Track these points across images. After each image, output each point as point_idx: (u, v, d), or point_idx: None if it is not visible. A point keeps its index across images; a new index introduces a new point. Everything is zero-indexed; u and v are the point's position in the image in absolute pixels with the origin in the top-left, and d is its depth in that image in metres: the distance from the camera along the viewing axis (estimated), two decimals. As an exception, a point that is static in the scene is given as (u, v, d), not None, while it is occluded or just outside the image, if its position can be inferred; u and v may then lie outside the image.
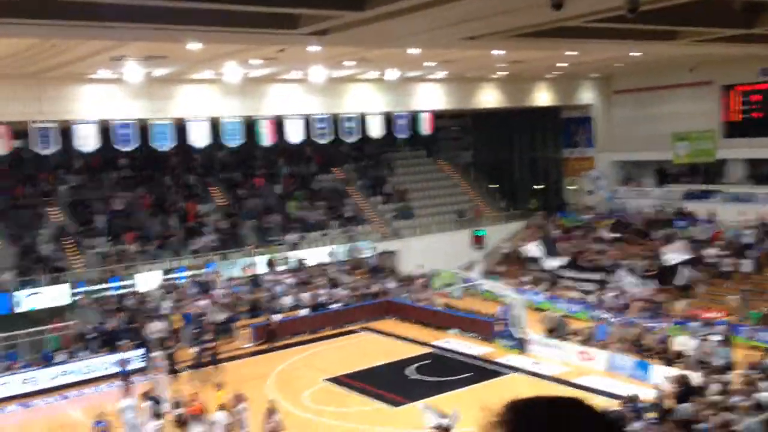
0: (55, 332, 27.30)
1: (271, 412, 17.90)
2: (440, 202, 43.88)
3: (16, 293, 28.63)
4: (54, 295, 29.27)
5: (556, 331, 26.61)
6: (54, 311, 28.97)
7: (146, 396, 19.51)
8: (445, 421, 14.13)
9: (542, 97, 40.98)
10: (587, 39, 21.05)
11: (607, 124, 42.56)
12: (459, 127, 49.43)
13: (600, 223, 38.65)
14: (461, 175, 46.64)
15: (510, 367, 24.83)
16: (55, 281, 29.86)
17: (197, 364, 25.42)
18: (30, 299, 28.79)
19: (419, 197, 43.60)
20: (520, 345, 26.36)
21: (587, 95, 42.39)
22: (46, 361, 25.54)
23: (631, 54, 29.92)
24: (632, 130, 40.67)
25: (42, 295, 29.06)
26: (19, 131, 28.22)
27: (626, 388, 20.87)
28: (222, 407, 18.39)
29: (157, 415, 18.62)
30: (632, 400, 18.34)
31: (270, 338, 28.56)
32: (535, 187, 45.66)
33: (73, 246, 32.39)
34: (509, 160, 46.50)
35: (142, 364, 24.94)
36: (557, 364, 24.71)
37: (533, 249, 35.10)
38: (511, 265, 38.29)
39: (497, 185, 46.36)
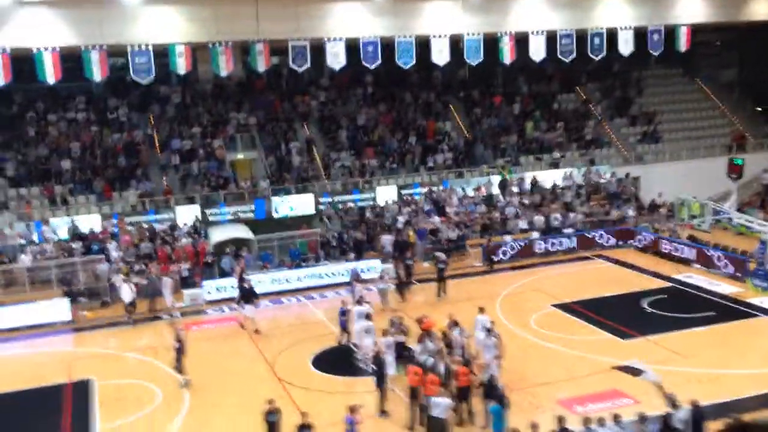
0: (303, 238, 29.69)
1: (446, 334, 17.93)
2: (694, 126, 40.28)
3: (272, 200, 31.43)
4: (302, 203, 31.73)
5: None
6: (302, 219, 31.47)
7: (362, 302, 20.54)
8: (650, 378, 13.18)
9: (831, 5, 35.25)
10: None
11: None
12: (721, 43, 44.40)
13: None
14: (721, 96, 42.18)
15: (762, 310, 22.57)
16: (304, 191, 32.26)
17: (426, 279, 26.27)
18: (282, 206, 31.49)
19: (670, 120, 40.32)
20: (776, 287, 23.81)
21: None
22: (295, 264, 27.89)
23: None
24: None
25: (292, 203, 31.63)
26: (277, 48, 30.29)
27: None
28: (456, 324, 18.67)
29: (367, 317, 19.48)
30: None
31: (489, 259, 28.60)
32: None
33: (320, 159, 34.60)
34: (781, 81, 41.04)
35: (376, 275, 26.14)
36: (820, 312, 22.00)
37: None
38: (774, 198, 34.38)
39: (764, 108, 41.30)
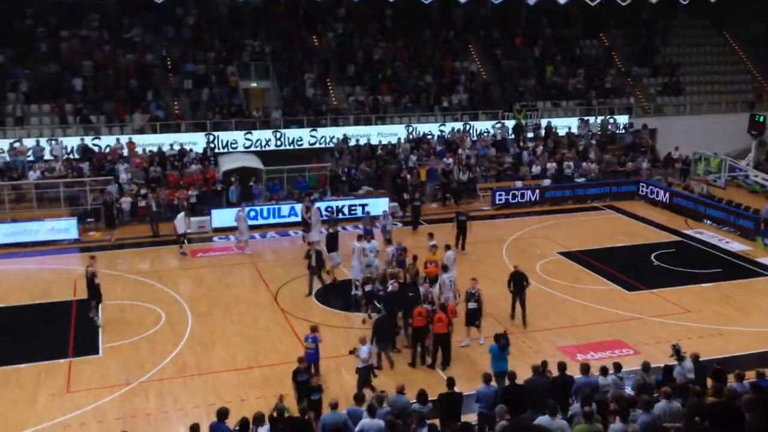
0: (312, 171, 29.46)
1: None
2: (717, 80, 39.42)
3: (284, 131, 31.03)
4: (314, 137, 31.33)
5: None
6: (314, 152, 31.16)
7: (366, 239, 20.33)
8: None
9: None
10: None
11: None
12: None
13: None
14: (748, 50, 41.09)
15: (770, 269, 22.45)
16: (316, 124, 31.83)
17: (434, 220, 26.09)
18: (294, 138, 31.11)
19: (693, 72, 39.46)
20: (787, 248, 23.59)
21: None
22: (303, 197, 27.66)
23: None
24: None
25: (303, 135, 31.23)
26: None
27: None
28: (448, 247, 19.08)
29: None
30: None
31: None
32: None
33: (333, 91, 34.02)
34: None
35: (380, 212, 25.81)
36: (829, 275, 21.81)
37: None
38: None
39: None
